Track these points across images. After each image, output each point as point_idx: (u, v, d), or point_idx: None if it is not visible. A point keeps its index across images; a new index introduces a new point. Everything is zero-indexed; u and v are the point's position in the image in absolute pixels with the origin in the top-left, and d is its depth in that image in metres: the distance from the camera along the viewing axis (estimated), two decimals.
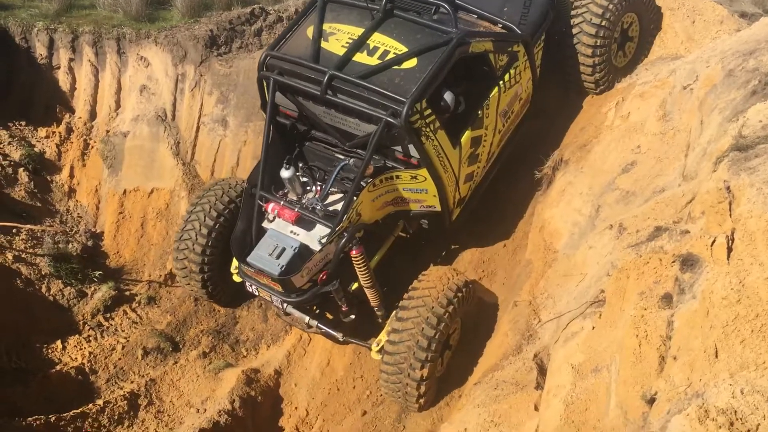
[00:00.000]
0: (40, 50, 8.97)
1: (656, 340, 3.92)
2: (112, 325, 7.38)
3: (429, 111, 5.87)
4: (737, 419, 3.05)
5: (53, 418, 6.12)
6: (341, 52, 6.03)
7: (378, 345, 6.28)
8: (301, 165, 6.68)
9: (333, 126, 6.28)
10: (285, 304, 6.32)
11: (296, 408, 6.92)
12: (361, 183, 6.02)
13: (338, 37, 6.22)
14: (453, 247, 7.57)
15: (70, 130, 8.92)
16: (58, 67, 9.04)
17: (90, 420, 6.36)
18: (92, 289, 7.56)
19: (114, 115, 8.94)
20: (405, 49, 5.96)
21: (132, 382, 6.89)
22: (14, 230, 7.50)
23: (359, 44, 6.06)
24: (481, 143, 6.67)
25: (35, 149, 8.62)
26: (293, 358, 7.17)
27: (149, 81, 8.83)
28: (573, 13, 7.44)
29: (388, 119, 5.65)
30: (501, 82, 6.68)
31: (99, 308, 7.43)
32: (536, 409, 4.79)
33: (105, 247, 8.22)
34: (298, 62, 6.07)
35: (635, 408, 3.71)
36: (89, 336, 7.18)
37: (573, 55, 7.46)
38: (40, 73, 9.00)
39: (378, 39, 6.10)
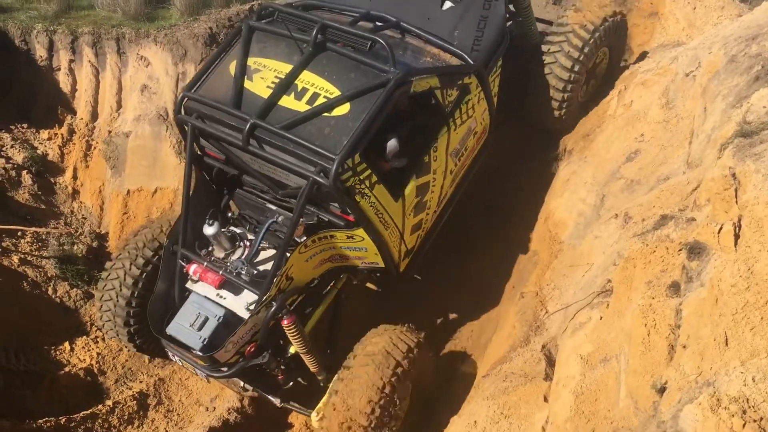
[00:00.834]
0: (40, 52, 8.96)
1: (665, 329, 3.91)
2: None
3: (363, 166, 5.18)
4: (749, 407, 3.04)
5: (63, 419, 6.14)
6: (266, 94, 5.31)
7: (318, 414, 5.77)
8: (230, 215, 6.10)
9: (262, 174, 5.61)
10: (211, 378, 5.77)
11: None
12: (290, 245, 5.39)
13: (264, 75, 5.48)
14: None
15: (72, 132, 8.92)
16: (59, 69, 9.03)
17: (100, 420, 6.38)
18: None
19: (115, 116, 8.93)
20: (337, 92, 5.24)
21: (141, 382, 6.90)
22: (19, 233, 7.50)
23: (286, 85, 5.33)
24: (429, 190, 5.96)
25: (38, 151, 8.62)
26: None
27: (150, 80, 8.81)
28: (548, 41, 6.88)
29: (316, 178, 4.98)
30: (451, 120, 5.95)
31: None
32: (546, 400, 4.79)
33: (110, 248, 8.22)
34: (216, 106, 5.34)
35: (646, 397, 3.71)
36: (96, 337, 7.18)
37: (540, 89, 6.88)
38: (40, 74, 8.99)
39: (307, 79, 5.36)
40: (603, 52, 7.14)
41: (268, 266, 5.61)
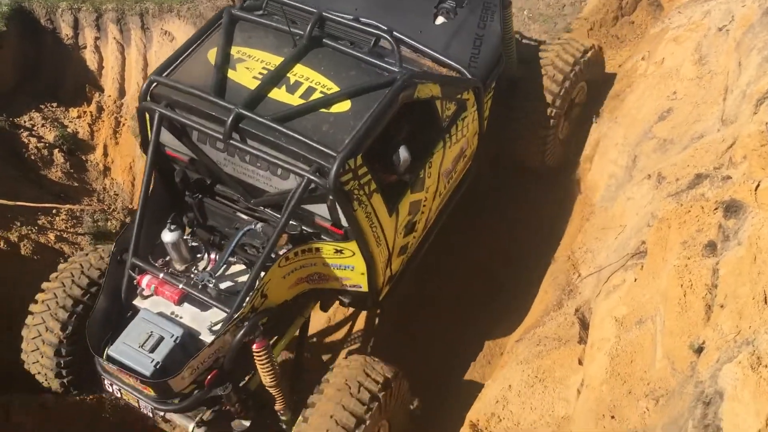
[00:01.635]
0: (65, 31, 9.00)
1: (701, 289, 3.87)
2: None
3: (365, 170, 4.66)
4: None
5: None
6: (253, 85, 4.79)
7: None
8: (192, 223, 5.33)
9: (236, 178, 4.99)
10: (158, 412, 4.95)
11: None
12: (272, 256, 4.74)
13: (249, 65, 4.94)
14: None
15: (100, 109, 8.98)
16: (85, 47, 9.06)
17: None
18: None
19: None
20: (335, 88, 4.78)
21: None
22: (54, 211, 7.60)
23: (277, 77, 4.82)
24: (420, 209, 5.45)
25: (68, 130, 8.70)
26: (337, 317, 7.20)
27: None
28: (527, 76, 6.54)
29: (312, 178, 4.45)
30: (447, 136, 5.46)
31: None
32: (580, 363, 4.78)
33: None
34: (195, 93, 4.73)
35: (683, 358, 3.68)
36: None
37: (520, 124, 6.57)
38: (67, 53, 9.04)
39: (301, 72, 4.88)
40: (581, 86, 6.90)
41: (237, 283, 4.96)
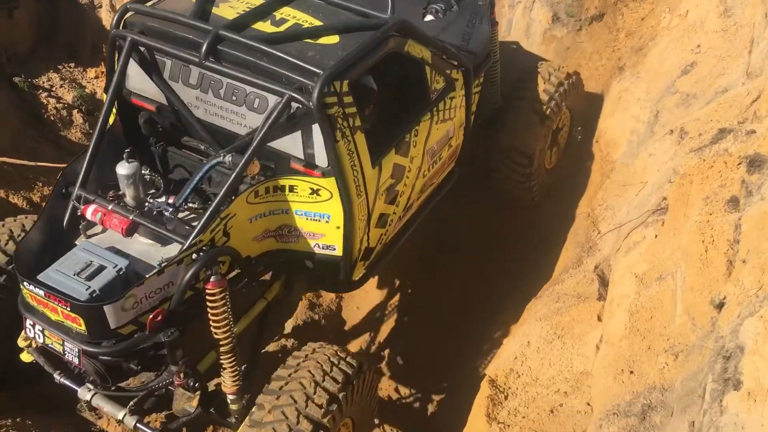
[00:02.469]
0: None
1: (723, 244, 3.83)
2: None
3: (350, 99, 4.37)
4: None
5: None
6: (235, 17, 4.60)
7: None
8: (151, 166, 4.78)
9: (206, 122, 4.63)
10: (84, 361, 4.18)
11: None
12: (240, 185, 4.31)
13: (233, 4, 4.74)
14: None
15: None
16: (100, 6, 9.03)
17: None
18: None
19: None
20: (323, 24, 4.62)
21: None
22: None
23: (262, 13, 4.65)
24: (403, 178, 5.08)
25: (86, 90, 8.71)
26: None
27: None
28: (510, 106, 6.35)
29: (294, 95, 4.14)
30: (435, 109, 5.25)
31: None
32: (599, 319, 4.78)
33: None
34: (172, 17, 4.49)
35: (703, 314, 3.67)
36: None
37: (504, 156, 6.36)
38: (83, 13, 9.01)
39: (288, 11, 4.72)
40: (564, 114, 6.70)
41: (199, 218, 4.27)
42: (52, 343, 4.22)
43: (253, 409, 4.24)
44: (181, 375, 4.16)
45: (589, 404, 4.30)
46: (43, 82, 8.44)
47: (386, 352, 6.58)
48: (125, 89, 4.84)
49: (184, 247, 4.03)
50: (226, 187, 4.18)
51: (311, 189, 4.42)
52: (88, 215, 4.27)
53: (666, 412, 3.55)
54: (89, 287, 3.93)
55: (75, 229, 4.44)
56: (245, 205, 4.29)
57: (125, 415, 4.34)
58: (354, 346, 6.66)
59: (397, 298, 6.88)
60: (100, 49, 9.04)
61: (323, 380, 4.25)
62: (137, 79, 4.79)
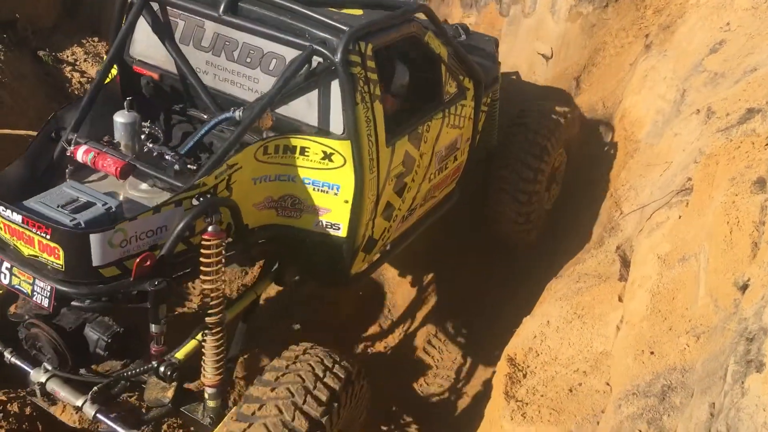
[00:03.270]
0: None
1: (748, 226, 3.78)
2: None
3: (373, 65, 4.30)
4: None
5: None
6: None
7: None
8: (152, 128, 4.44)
9: (214, 90, 4.46)
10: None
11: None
12: (249, 137, 4.14)
13: None
14: None
15: None
16: None
17: None
18: None
19: None
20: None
21: None
22: None
23: None
24: (412, 171, 4.94)
25: None
26: None
27: None
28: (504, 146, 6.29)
29: (317, 47, 4.07)
30: (446, 110, 5.20)
31: None
32: (620, 300, 4.76)
33: None
34: None
35: (726, 295, 3.63)
36: None
37: (500, 198, 6.32)
38: None
39: None
40: (560, 153, 6.60)
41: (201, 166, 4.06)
42: (19, 283, 3.66)
43: (241, 401, 3.86)
44: (161, 341, 3.73)
45: (608, 384, 4.29)
46: (67, 56, 8.50)
47: (404, 328, 6.61)
48: (128, 56, 4.69)
49: (186, 187, 3.76)
50: (235, 133, 3.98)
51: (324, 152, 4.22)
52: (79, 156, 3.93)
53: (686, 393, 3.53)
54: (74, 219, 3.54)
55: (60, 175, 4.08)
56: (253, 160, 4.05)
57: (84, 402, 3.81)
58: (363, 328, 6.65)
59: (411, 278, 6.89)
60: None
61: (315, 382, 3.89)
62: (143, 44, 4.63)
